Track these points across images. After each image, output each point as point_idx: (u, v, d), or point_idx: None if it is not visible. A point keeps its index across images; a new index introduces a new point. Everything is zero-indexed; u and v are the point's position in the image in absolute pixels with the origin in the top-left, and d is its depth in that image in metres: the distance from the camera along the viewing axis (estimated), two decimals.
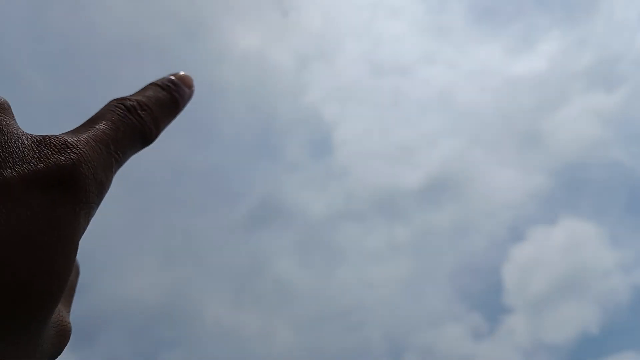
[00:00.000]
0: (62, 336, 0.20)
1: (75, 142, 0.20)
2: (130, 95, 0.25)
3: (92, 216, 0.20)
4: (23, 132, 0.20)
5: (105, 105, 0.24)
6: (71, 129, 0.22)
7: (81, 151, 0.20)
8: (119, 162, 0.22)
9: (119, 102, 0.24)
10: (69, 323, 0.20)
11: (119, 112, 0.23)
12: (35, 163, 0.19)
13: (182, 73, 0.27)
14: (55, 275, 0.18)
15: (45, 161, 0.19)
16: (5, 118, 0.20)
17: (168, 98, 0.26)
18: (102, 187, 0.20)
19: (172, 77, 0.27)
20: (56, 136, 0.20)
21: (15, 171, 0.18)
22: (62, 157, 0.19)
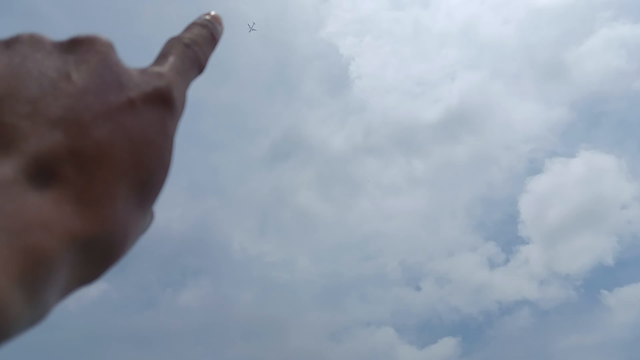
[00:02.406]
0: (152, 216, 0.26)
1: (165, 72, 0.27)
2: (182, 34, 0.31)
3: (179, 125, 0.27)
4: (126, 65, 0.26)
5: (167, 43, 0.30)
6: None
7: (170, 79, 0.27)
8: (188, 86, 0.29)
9: (178, 40, 0.30)
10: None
11: (181, 48, 0.29)
12: (145, 87, 0.25)
13: (213, 13, 0.33)
14: (167, 165, 0.25)
15: (151, 85, 0.26)
16: (115, 55, 0.26)
17: (209, 34, 0.31)
18: (183, 104, 0.27)
19: (208, 17, 0.33)
20: (150, 67, 0.27)
21: (135, 93, 0.25)
22: (160, 83, 0.26)
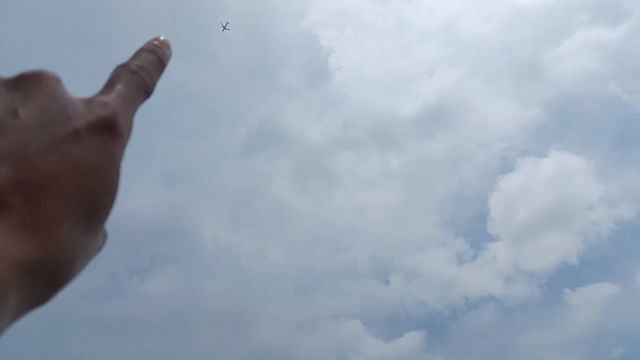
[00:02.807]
0: (105, 236, 0.28)
1: (110, 100, 0.28)
2: (129, 61, 0.32)
3: (125, 150, 0.28)
4: (73, 96, 0.27)
5: (115, 71, 0.31)
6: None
7: (115, 107, 0.28)
8: (135, 111, 0.30)
9: (124, 67, 0.31)
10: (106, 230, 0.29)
11: (127, 75, 0.31)
12: (90, 117, 0.27)
13: (162, 38, 0.34)
14: (113, 189, 0.26)
15: (95, 114, 0.27)
16: (62, 88, 0.27)
17: (157, 59, 0.33)
18: (130, 130, 0.29)
19: (156, 42, 0.34)
20: (96, 97, 0.28)
21: (80, 123, 0.26)
22: (105, 112, 0.27)
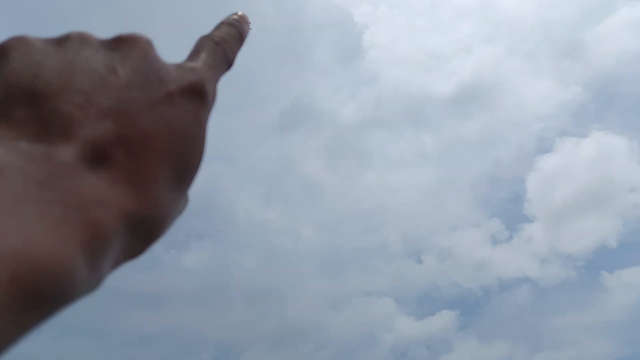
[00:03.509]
0: (187, 200, 0.29)
1: (198, 67, 0.29)
2: (212, 32, 0.33)
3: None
4: (164, 61, 0.28)
5: (199, 41, 0.32)
6: None
7: (203, 73, 0.29)
8: (218, 80, 0.31)
9: (208, 38, 0.32)
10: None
11: (211, 46, 0.32)
12: (181, 81, 0.28)
13: (240, 13, 0.36)
14: (201, 153, 0.27)
15: (187, 79, 0.28)
16: (154, 52, 0.28)
17: (237, 33, 0.34)
18: (214, 97, 0.30)
19: (235, 17, 0.35)
20: (185, 63, 0.29)
21: (173, 87, 0.27)
22: (195, 77, 0.28)
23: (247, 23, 0.36)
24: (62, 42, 0.27)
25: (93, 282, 0.21)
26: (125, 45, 0.28)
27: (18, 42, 0.27)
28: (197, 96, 0.28)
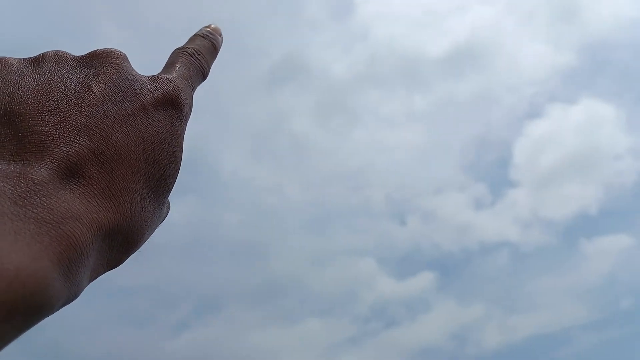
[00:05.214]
0: (169, 207, 0.30)
1: (172, 78, 0.30)
2: (186, 45, 0.34)
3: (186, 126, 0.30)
4: (139, 74, 0.29)
5: (173, 54, 0.33)
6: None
7: (178, 84, 0.30)
8: (194, 91, 0.32)
9: (182, 50, 0.33)
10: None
11: (186, 57, 0.33)
12: (155, 92, 0.28)
13: (213, 25, 0.37)
14: (177, 162, 0.28)
15: (160, 90, 0.28)
16: (129, 65, 0.29)
17: (210, 45, 0.35)
18: (190, 107, 0.30)
19: (209, 29, 0.36)
20: (160, 75, 0.30)
21: (147, 99, 0.28)
22: (169, 88, 0.29)
23: (220, 35, 0.37)
24: (38, 61, 0.28)
25: (70, 293, 0.22)
26: (100, 61, 0.28)
27: None
28: (172, 106, 0.28)
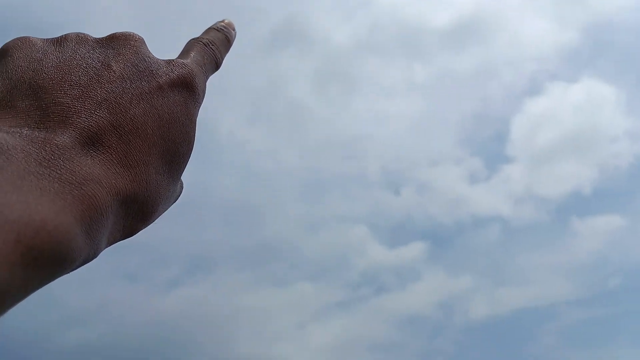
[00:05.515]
0: (182, 187, 0.32)
1: (188, 63, 0.31)
2: (201, 36, 0.36)
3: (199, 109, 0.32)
4: (155, 57, 0.31)
5: (189, 43, 0.35)
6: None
7: (193, 69, 0.31)
8: (207, 78, 0.33)
9: (198, 40, 0.35)
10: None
11: (200, 47, 0.34)
12: (171, 74, 0.30)
13: (227, 20, 0.38)
14: (190, 141, 0.30)
15: (176, 73, 0.30)
16: (146, 48, 0.31)
17: (224, 38, 0.37)
18: (204, 92, 0.32)
19: (223, 23, 0.38)
20: (176, 59, 0.31)
21: (163, 80, 0.29)
22: (184, 71, 0.30)
23: (234, 30, 0.38)
24: (60, 41, 0.30)
25: (90, 251, 0.23)
26: (119, 43, 0.30)
27: (21, 42, 0.29)
28: (186, 89, 0.30)
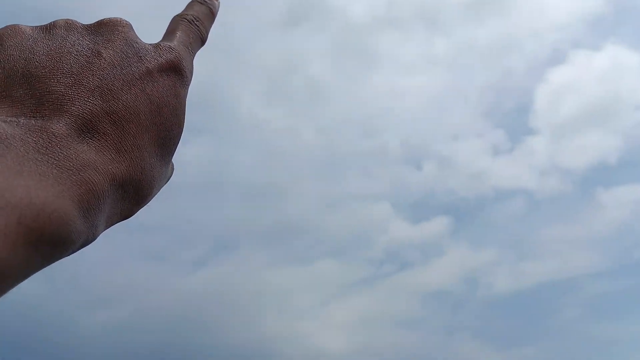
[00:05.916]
0: (173, 168, 0.33)
1: (175, 46, 0.32)
2: (184, 12, 0.36)
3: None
4: (143, 41, 0.31)
5: (173, 21, 0.35)
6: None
7: (180, 52, 0.32)
8: (194, 57, 0.34)
9: (182, 17, 0.35)
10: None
11: (185, 25, 0.35)
12: (159, 59, 0.30)
13: None
14: (180, 124, 0.30)
15: (164, 57, 0.30)
16: (134, 34, 0.31)
17: (208, 10, 0.37)
18: (191, 73, 0.32)
19: None
20: (162, 42, 0.32)
21: (152, 65, 0.30)
22: (171, 55, 0.31)
23: (217, 0, 0.38)
24: (49, 29, 0.30)
25: (89, 234, 0.24)
26: (107, 29, 0.30)
27: (11, 31, 0.30)
28: (175, 72, 0.30)
